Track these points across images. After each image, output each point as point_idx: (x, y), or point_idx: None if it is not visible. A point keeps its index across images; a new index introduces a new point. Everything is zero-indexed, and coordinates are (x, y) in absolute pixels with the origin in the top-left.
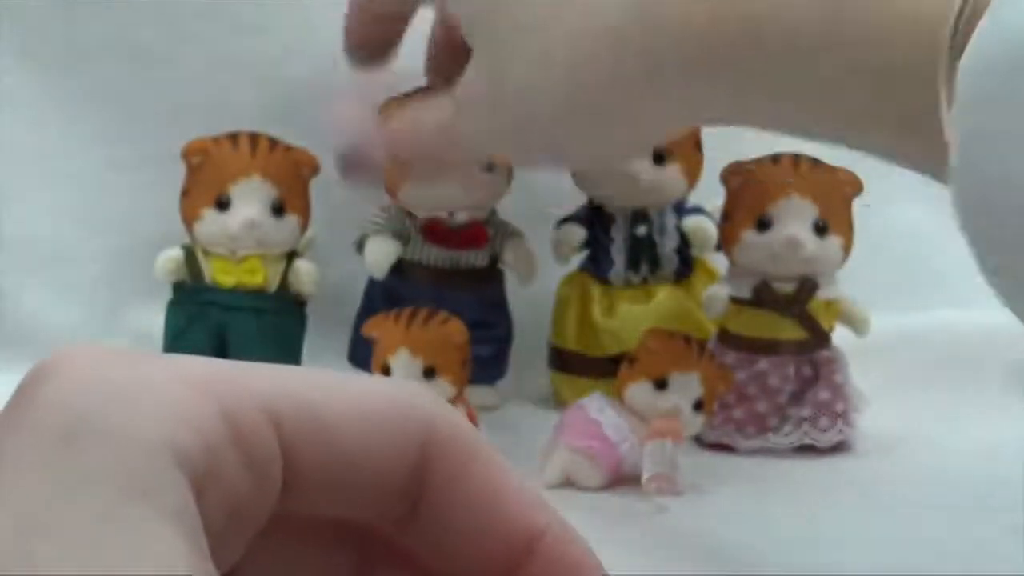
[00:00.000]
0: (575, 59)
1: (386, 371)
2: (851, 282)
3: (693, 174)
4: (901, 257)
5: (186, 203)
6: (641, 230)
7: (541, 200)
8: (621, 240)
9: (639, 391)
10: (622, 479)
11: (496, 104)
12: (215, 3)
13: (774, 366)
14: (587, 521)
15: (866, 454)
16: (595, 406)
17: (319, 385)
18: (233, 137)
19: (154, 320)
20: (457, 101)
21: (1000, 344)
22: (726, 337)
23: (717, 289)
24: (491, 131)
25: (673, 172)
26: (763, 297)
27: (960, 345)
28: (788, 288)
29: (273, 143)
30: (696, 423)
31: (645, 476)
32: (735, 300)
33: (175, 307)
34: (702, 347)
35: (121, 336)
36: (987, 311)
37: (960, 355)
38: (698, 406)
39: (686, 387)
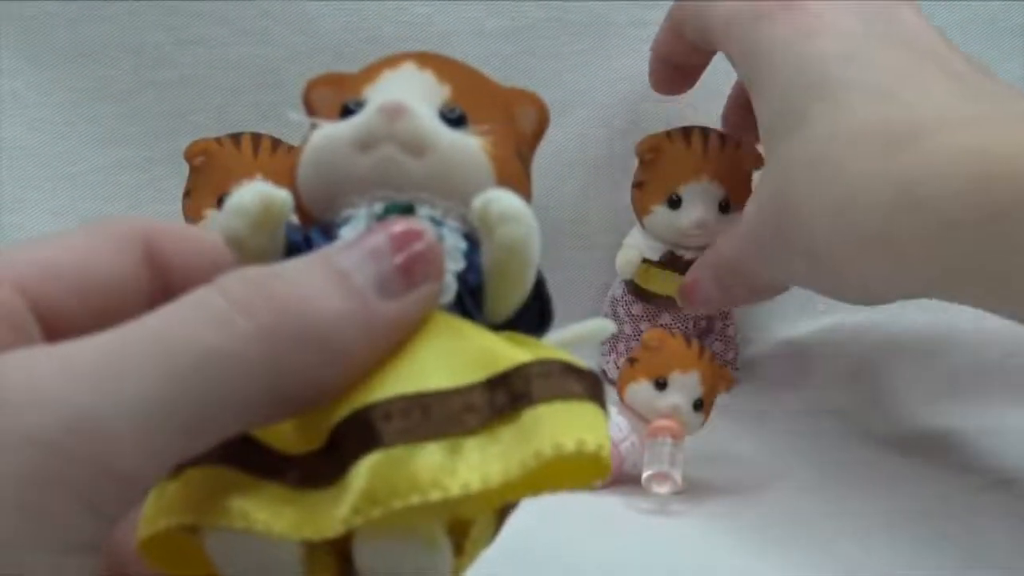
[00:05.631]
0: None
1: None
2: None
3: None
4: None
5: (189, 204)
6: None
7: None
8: None
9: (639, 391)
10: (622, 478)
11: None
12: (218, 6)
13: (676, 319)
14: (587, 521)
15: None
16: None
17: (54, 244)
18: (235, 137)
19: None
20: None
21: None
22: (635, 290)
23: (629, 252)
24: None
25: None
26: (670, 261)
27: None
28: (692, 256)
29: (276, 143)
30: (696, 422)
31: (645, 475)
32: (645, 260)
33: None
34: (702, 347)
35: None
36: None
37: None
38: (698, 406)
39: (686, 387)
